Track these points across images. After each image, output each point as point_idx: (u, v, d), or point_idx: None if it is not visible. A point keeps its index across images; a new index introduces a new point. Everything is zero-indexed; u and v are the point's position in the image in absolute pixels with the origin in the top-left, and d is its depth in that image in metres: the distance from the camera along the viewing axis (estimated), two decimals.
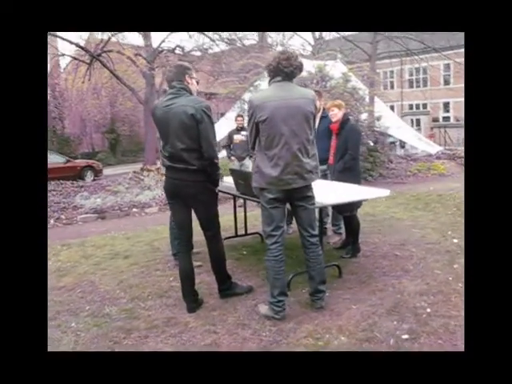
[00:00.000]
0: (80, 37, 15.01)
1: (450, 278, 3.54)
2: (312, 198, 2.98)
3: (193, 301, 3.15)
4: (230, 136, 7.75)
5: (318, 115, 4.79)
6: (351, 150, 4.15)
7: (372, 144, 9.77)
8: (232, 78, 12.84)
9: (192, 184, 2.95)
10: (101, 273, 4.14)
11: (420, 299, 3.18)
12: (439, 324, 2.78)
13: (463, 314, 2.88)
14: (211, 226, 3.16)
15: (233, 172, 4.01)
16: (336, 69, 10.66)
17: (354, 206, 4.15)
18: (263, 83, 11.71)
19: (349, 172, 4.19)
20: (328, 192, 3.71)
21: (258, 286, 3.57)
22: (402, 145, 17.38)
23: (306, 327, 2.81)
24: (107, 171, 17.10)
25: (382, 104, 15.97)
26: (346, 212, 4.33)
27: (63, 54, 15.14)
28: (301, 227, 3.00)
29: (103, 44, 14.76)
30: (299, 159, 2.82)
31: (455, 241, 4.59)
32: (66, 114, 21.54)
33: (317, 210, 3.65)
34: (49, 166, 13.55)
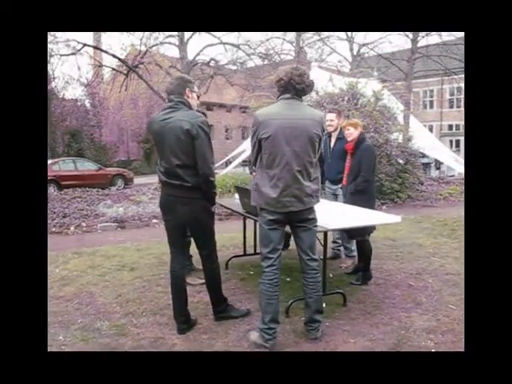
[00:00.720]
0: (112, 48, 15.51)
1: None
2: (314, 220, 2.82)
3: (183, 322, 3.02)
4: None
5: (335, 134, 4.63)
6: (364, 172, 3.95)
7: (402, 163, 9.39)
8: (264, 92, 12.83)
9: (187, 201, 2.85)
10: (103, 284, 4.10)
11: (426, 337, 2.93)
12: None
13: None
14: (206, 245, 3.05)
15: (238, 189, 3.89)
16: (369, 86, 10.45)
17: (366, 230, 3.94)
18: None
19: (361, 195, 3.98)
20: (335, 215, 3.53)
21: (256, 310, 3.39)
22: (438, 166, 16.80)
23: None
24: (141, 180, 17.42)
25: (419, 124, 15.52)
26: (357, 237, 4.12)
27: (102, 65, 15.65)
28: (300, 250, 2.84)
29: (140, 56, 15.17)
30: (299, 182, 2.68)
31: None
32: (104, 122, 22.22)
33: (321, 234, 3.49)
34: (80, 173, 14.01)
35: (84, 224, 7.37)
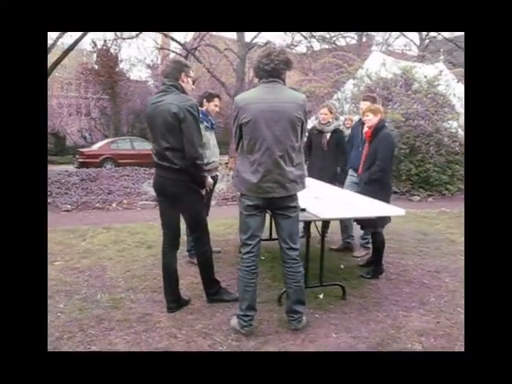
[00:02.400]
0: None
1: None
2: (295, 208, 2.73)
3: (172, 301, 3.10)
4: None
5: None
6: (380, 161, 3.75)
7: (457, 150, 8.68)
8: (315, 76, 12.53)
9: (174, 183, 2.89)
10: (117, 259, 4.30)
11: (416, 340, 2.76)
12: None
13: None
14: (195, 227, 3.08)
15: None
16: (424, 71, 9.86)
17: (378, 222, 3.75)
18: (347, 84, 11.26)
19: (376, 184, 3.79)
20: (338, 204, 3.41)
21: None
22: None
23: (267, 349, 2.60)
24: None
25: None
26: (368, 228, 3.96)
27: (162, 48, 16.11)
28: (280, 238, 2.78)
29: (200, 38, 15.42)
30: (281, 167, 2.61)
31: None
32: None
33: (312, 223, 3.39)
34: (136, 152, 14.62)
35: (125, 201, 7.73)
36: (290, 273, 2.75)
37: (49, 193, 7.70)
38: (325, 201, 3.49)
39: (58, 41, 10.16)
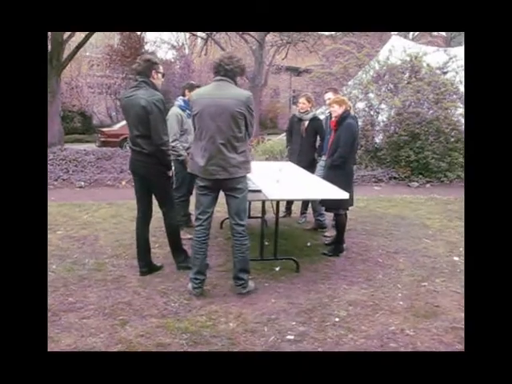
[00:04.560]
0: None
1: (400, 295, 3.42)
2: (242, 190, 3.16)
3: (143, 265, 3.62)
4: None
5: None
6: (341, 148, 4.11)
7: (458, 139, 8.78)
8: (322, 62, 12.68)
9: (144, 165, 3.39)
10: (111, 231, 4.87)
11: (344, 308, 3.17)
12: (334, 334, 2.80)
13: (371, 331, 2.85)
14: (163, 203, 3.58)
15: None
16: (433, 58, 9.88)
17: (340, 204, 4.12)
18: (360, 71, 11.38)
19: (337, 170, 4.16)
20: (293, 186, 3.82)
21: (217, 265, 3.90)
22: None
23: (211, 307, 3.09)
24: None
25: None
26: (331, 210, 4.35)
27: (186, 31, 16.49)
28: (229, 214, 3.24)
29: None
30: (223, 153, 3.04)
31: (456, 258, 4.26)
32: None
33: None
34: None
35: None
36: (236, 245, 3.21)
37: (65, 170, 8.38)
38: (283, 184, 3.90)
39: None
